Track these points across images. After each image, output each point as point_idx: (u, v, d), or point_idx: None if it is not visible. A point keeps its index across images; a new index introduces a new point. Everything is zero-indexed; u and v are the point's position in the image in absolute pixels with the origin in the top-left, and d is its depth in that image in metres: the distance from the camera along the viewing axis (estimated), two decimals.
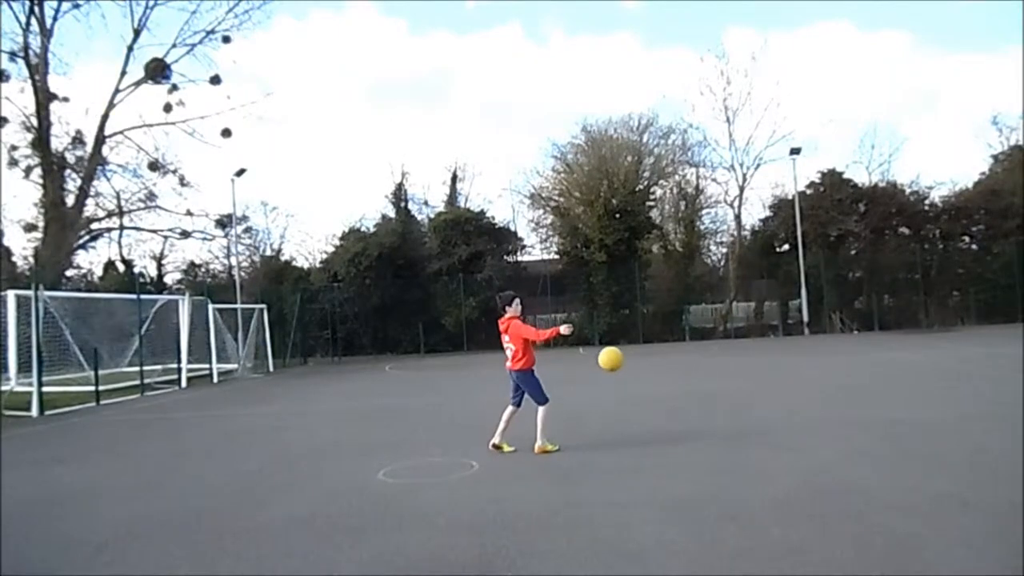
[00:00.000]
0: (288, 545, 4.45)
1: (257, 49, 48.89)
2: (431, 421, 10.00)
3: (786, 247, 29.55)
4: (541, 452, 6.68)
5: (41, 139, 28.86)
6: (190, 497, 6.01)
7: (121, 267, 35.32)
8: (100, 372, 15.11)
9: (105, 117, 30.15)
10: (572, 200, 29.96)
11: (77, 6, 29.66)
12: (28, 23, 28.48)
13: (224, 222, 33.51)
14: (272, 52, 54.98)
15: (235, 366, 21.31)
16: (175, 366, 18.28)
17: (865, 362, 15.54)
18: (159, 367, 18.44)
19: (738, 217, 31.62)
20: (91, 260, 35.59)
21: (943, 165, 68.24)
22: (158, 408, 13.69)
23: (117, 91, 30.36)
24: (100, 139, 30.24)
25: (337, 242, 31.60)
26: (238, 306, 23.77)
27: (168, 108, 31.39)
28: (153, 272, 36.05)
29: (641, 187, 29.33)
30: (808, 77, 52.69)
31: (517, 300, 7.11)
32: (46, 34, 29.01)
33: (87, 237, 32.53)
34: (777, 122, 36.33)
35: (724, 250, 33.61)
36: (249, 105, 32.84)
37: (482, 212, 30.70)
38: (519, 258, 31.78)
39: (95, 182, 31.08)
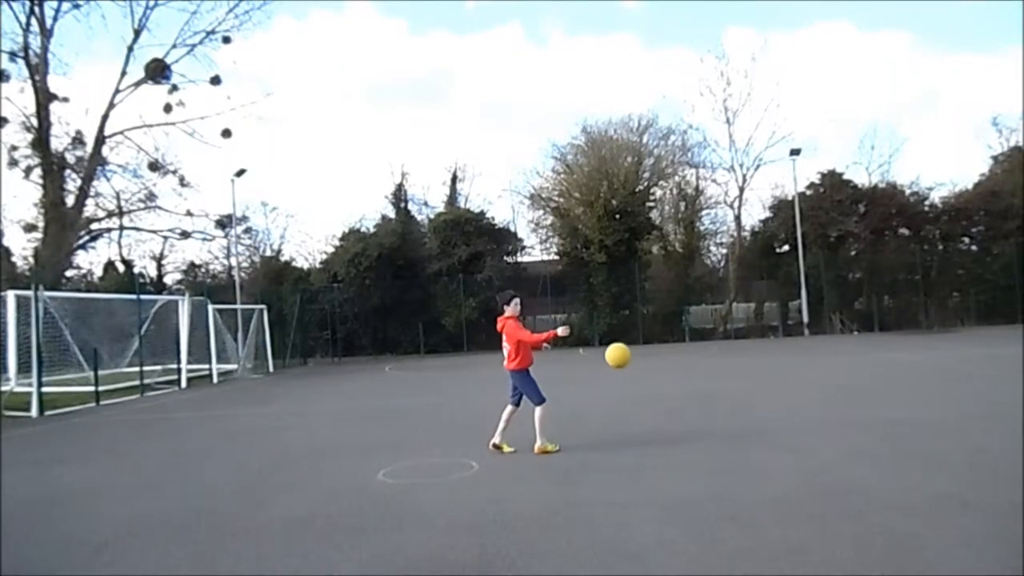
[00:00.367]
0: (288, 545, 4.45)
1: (257, 49, 49.00)
2: (431, 421, 10.00)
3: (786, 248, 29.57)
4: (541, 452, 6.67)
5: (41, 139, 28.86)
6: (190, 497, 6.00)
7: (121, 267, 35.34)
8: (100, 372, 15.11)
9: (105, 117, 30.17)
10: (572, 201, 29.99)
11: (77, 6, 29.70)
12: (28, 23, 28.51)
13: (224, 222, 33.53)
14: (272, 52, 55.10)
15: (235, 366, 21.31)
16: (175, 366, 18.28)
17: (865, 363, 15.54)
18: (159, 367, 18.44)
19: (738, 218, 31.70)
20: (91, 260, 35.69)
21: (943, 166, 68.35)
22: (158, 408, 13.69)
23: (117, 91, 30.39)
24: (100, 139, 30.24)
25: (337, 242, 31.63)
26: (238, 306, 23.77)
27: (168, 108, 31.41)
28: (153, 272, 36.09)
29: (641, 188, 29.36)
30: (808, 78, 52.78)
31: (516, 300, 7.07)
32: (46, 34, 29.04)
33: (87, 237, 32.54)
34: (777, 123, 36.56)
35: (724, 251, 33.66)
36: (249, 105, 32.98)
37: (482, 213, 30.74)
38: (519, 259, 31.82)
39: (95, 182, 31.11)
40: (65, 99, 30.14)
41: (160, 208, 32.99)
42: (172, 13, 49.06)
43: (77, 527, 5.19)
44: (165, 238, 34.74)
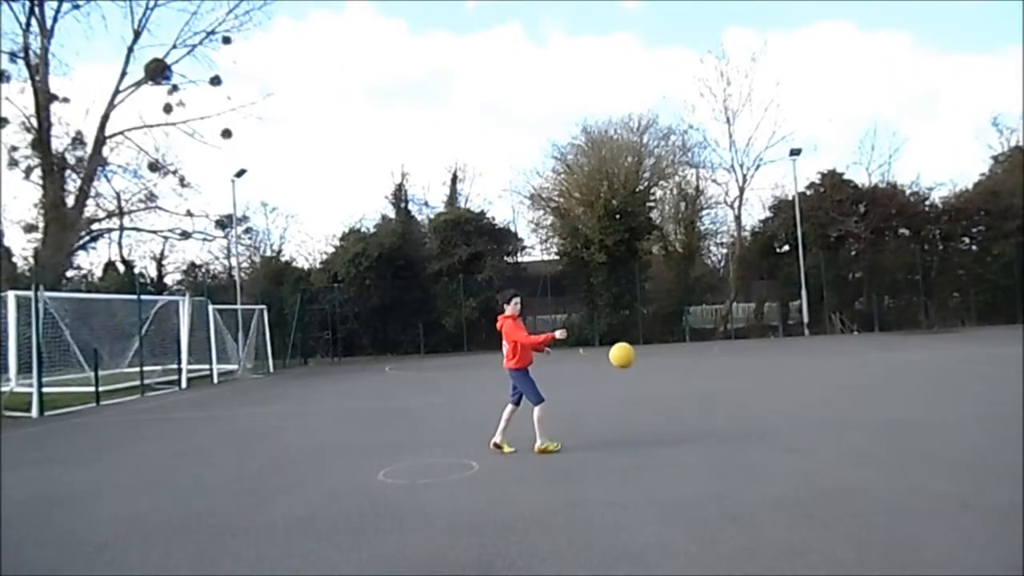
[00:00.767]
0: (288, 545, 4.45)
1: (257, 50, 49.00)
2: (431, 421, 10.00)
3: (786, 248, 29.59)
4: (541, 452, 6.67)
5: (41, 140, 28.89)
6: (190, 497, 6.00)
7: (121, 268, 35.34)
8: (100, 373, 15.12)
9: (105, 118, 30.20)
10: (572, 201, 30.01)
11: (77, 7, 29.75)
12: (28, 24, 28.56)
13: (224, 223, 33.54)
14: (272, 53, 55.11)
15: (235, 367, 21.32)
16: (175, 367, 18.29)
17: (865, 363, 15.54)
18: (159, 368, 18.45)
19: (738, 218, 31.72)
20: (91, 261, 35.72)
21: (943, 166, 68.39)
22: (158, 408, 13.70)
23: (117, 92, 30.42)
24: (100, 140, 30.27)
25: (337, 243, 31.65)
26: (238, 307, 23.78)
27: (168, 109, 31.43)
28: (153, 273, 36.10)
29: (641, 188, 29.39)
30: (808, 78, 52.82)
31: (516, 299, 7.03)
32: (46, 35, 29.07)
33: (87, 238, 32.55)
34: (777, 123, 36.55)
35: (724, 251, 33.70)
36: (249, 106, 32.91)
37: (482, 213, 30.77)
38: (519, 259, 31.83)
39: (95, 183, 31.14)
40: (65, 100, 30.19)
41: (160, 208, 33.04)
42: (172, 14, 49.07)
43: (78, 527, 5.19)
44: (165, 238, 34.79)
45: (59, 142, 29.90)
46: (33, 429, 11.51)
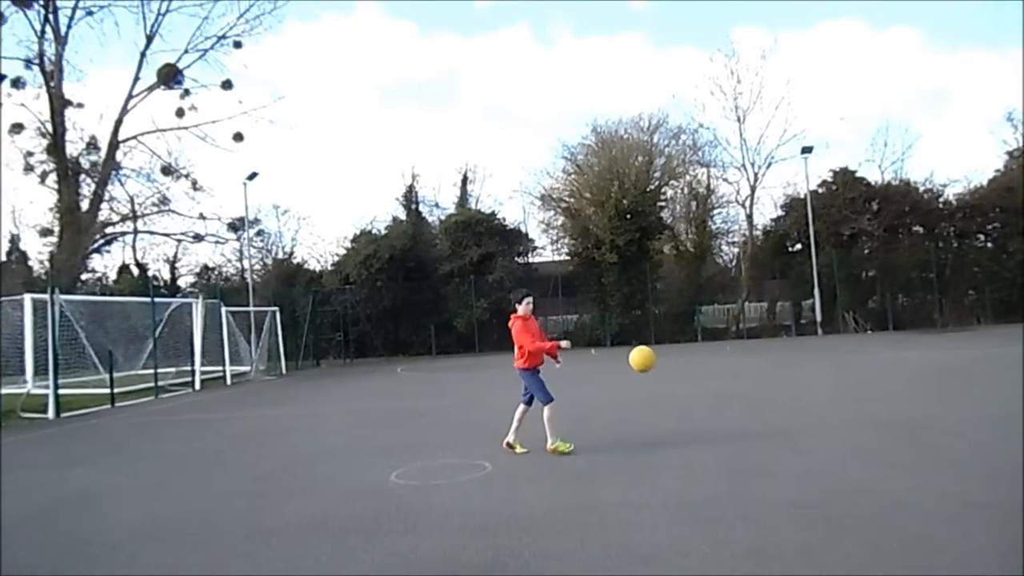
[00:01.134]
0: (301, 547, 4.47)
1: (268, 53, 49.26)
2: (443, 422, 10.02)
3: (798, 247, 29.40)
4: (553, 452, 6.66)
5: (56, 145, 29.21)
6: (203, 499, 6.05)
7: (135, 270, 35.62)
8: (115, 374, 15.25)
9: (119, 122, 30.49)
10: (583, 201, 29.98)
11: (91, 13, 30.03)
12: (43, 31, 28.86)
13: (236, 225, 33.76)
14: (282, 56, 55.35)
15: (248, 368, 21.45)
16: (189, 368, 18.42)
17: (879, 362, 15.43)
18: (173, 369, 18.59)
19: (750, 217, 31.54)
20: (106, 264, 35.94)
21: (957, 163, 67.63)
22: (172, 410, 13.80)
23: (130, 96, 30.71)
24: (114, 144, 30.55)
25: (348, 244, 31.76)
26: (251, 309, 23.91)
27: (180, 113, 31.69)
28: (167, 275, 36.34)
29: (652, 187, 29.31)
30: (819, 75, 52.43)
31: (528, 299, 6.99)
32: (60, 41, 29.38)
33: (101, 241, 32.87)
34: (788, 121, 36.06)
35: (736, 250, 33.51)
36: (260, 109, 33.14)
37: (493, 213, 30.77)
38: (530, 259, 31.81)
39: (109, 187, 31.43)
40: (79, 105, 30.49)
41: (173, 211, 33.31)
42: (184, 19, 49.64)
43: (92, 527, 5.23)
44: (178, 241, 35.04)
45: (73, 147, 30.26)
46: (50, 430, 11.62)
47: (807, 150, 27.76)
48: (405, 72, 63.70)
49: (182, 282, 36.39)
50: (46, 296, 14.29)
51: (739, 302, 30.58)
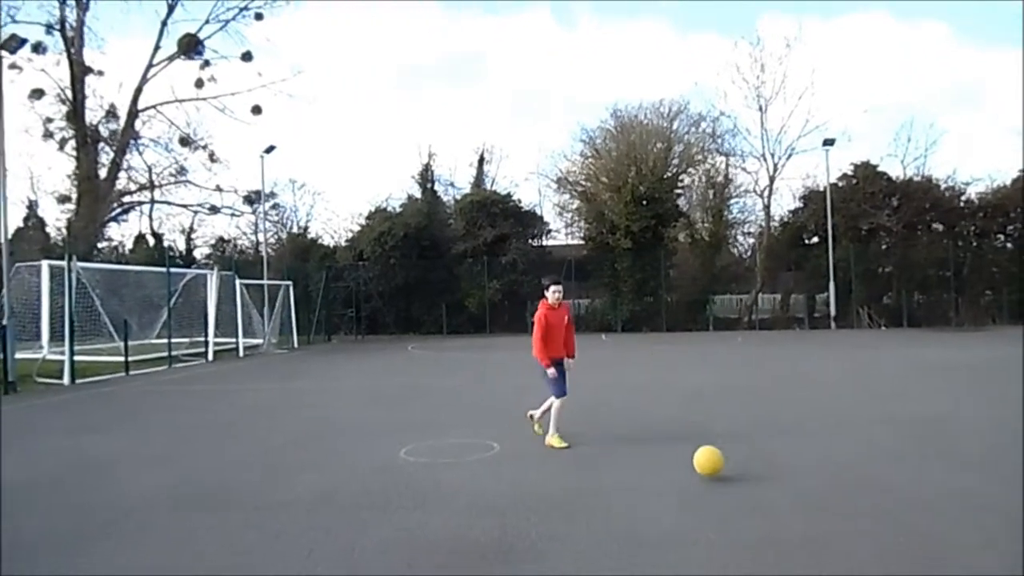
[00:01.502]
0: (311, 520, 4.51)
1: (289, 27, 49.04)
2: (453, 402, 10.06)
3: (815, 239, 29.12)
4: (548, 446, 6.47)
5: (76, 112, 29.31)
6: (215, 469, 6.12)
7: (151, 240, 35.88)
8: (129, 343, 15.40)
9: (138, 91, 30.53)
10: (599, 186, 29.78)
11: None
12: None
13: (252, 198, 33.86)
14: (303, 30, 55.11)
15: (261, 341, 21.60)
16: (202, 339, 18.57)
17: (894, 359, 15.31)
18: (187, 340, 18.75)
19: (767, 208, 31.21)
20: (122, 233, 36.19)
21: (981, 161, 66.63)
22: (185, 380, 13.94)
23: (150, 66, 30.70)
24: (133, 113, 30.63)
25: (363, 221, 31.78)
26: (265, 282, 24.03)
27: (200, 84, 31.66)
28: (182, 246, 36.56)
29: (669, 174, 29.07)
30: (843, 67, 51.59)
31: (550, 287, 6.63)
32: (82, 7, 29.38)
33: (119, 210, 33.07)
34: (811, 111, 35.42)
35: (752, 240, 33.21)
36: (280, 83, 32.97)
37: (508, 195, 30.62)
38: (544, 242, 31.71)
39: (127, 156, 31.54)
40: (100, 73, 30.53)
41: (190, 183, 33.41)
42: None
43: (105, 493, 5.31)
44: (195, 212, 35.20)
45: (93, 115, 30.33)
46: (65, 396, 11.78)
47: (829, 142, 27.39)
48: (425, 50, 63.37)
49: (197, 253, 36.63)
50: (63, 263, 14.41)
51: (753, 293, 30.39)
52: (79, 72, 29.15)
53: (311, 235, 35.74)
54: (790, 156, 30.82)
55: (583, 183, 31.20)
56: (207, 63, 31.70)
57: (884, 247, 28.13)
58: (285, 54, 61.00)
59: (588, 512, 4.57)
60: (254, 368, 16.75)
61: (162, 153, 32.61)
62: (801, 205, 29.92)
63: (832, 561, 3.62)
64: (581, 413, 7.40)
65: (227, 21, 31.29)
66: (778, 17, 60.41)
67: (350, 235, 32.77)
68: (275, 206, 36.55)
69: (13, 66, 27.42)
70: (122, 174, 31.71)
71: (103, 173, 30.70)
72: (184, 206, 34.57)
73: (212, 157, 32.85)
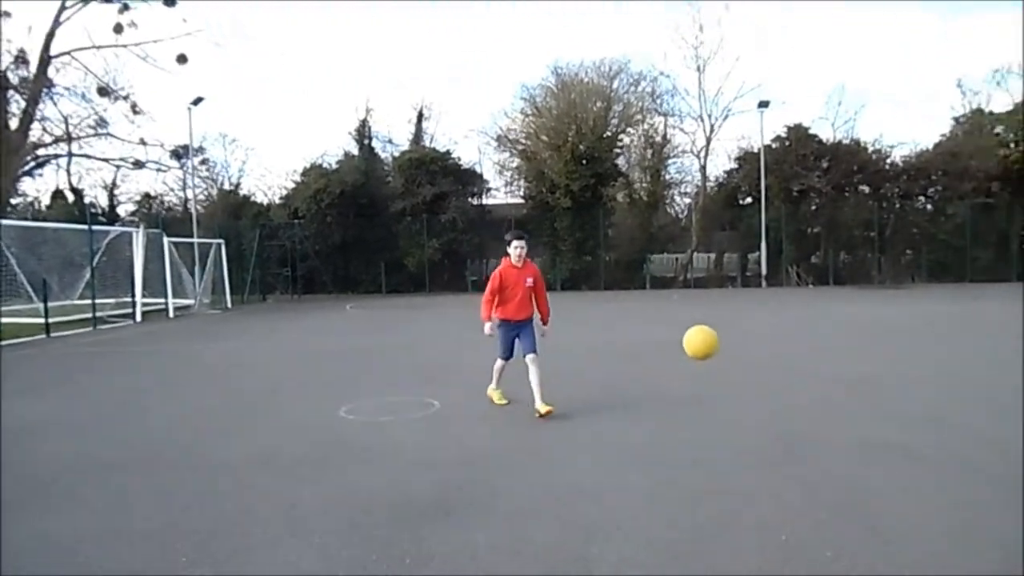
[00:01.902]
0: (249, 479, 4.43)
1: None
2: (392, 360, 9.98)
3: (749, 200, 29.83)
4: (489, 397, 6.58)
5: None
6: (145, 432, 5.92)
7: (70, 196, 34.03)
8: (50, 304, 14.67)
9: (50, 36, 28.45)
10: (539, 144, 29.65)
11: None
12: None
13: (180, 153, 32.36)
14: None
15: (192, 301, 20.92)
16: (129, 300, 17.85)
17: (821, 316, 15.93)
18: (112, 300, 18.00)
19: (703, 168, 31.70)
20: (38, 188, 34.31)
21: (907, 126, 69.01)
22: (112, 342, 13.41)
23: (63, 8, 28.63)
24: (45, 59, 28.60)
25: (298, 178, 30.87)
26: (195, 240, 23.19)
27: (119, 29, 29.75)
28: (104, 203, 34.86)
29: (609, 134, 29.14)
30: (780, 31, 52.34)
31: (515, 242, 6.14)
32: None
33: (33, 163, 31.12)
34: (746, 74, 36.15)
35: (688, 201, 33.83)
36: (206, 30, 31.36)
37: (448, 152, 30.18)
38: (484, 201, 31.53)
39: (41, 105, 29.54)
40: (7, 14, 28.32)
41: (111, 135, 31.55)
42: None
43: (29, 460, 5.08)
44: (117, 167, 33.35)
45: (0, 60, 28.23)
46: None
47: (764, 104, 27.91)
48: (363, 2, 61.11)
49: (121, 210, 35.04)
50: None
51: (688, 252, 31.05)
52: None
53: (243, 192, 34.58)
54: (726, 117, 31.31)
55: (523, 141, 30.99)
56: (126, 7, 29.68)
57: (813, 208, 29.05)
58: (213, 1, 57.85)
59: (527, 466, 4.63)
60: (185, 328, 16.23)
61: (79, 103, 30.62)
62: (736, 166, 30.54)
63: (767, 508, 3.76)
64: (520, 369, 7.44)
65: None
66: None
67: (284, 192, 31.86)
68: (204, 161, 35.12)
69: None
70: (36, 125, 29.67)
71: (14, 124, 28.76)
72: (105, 160, 32.68)
73: (135, 108, 31.05)
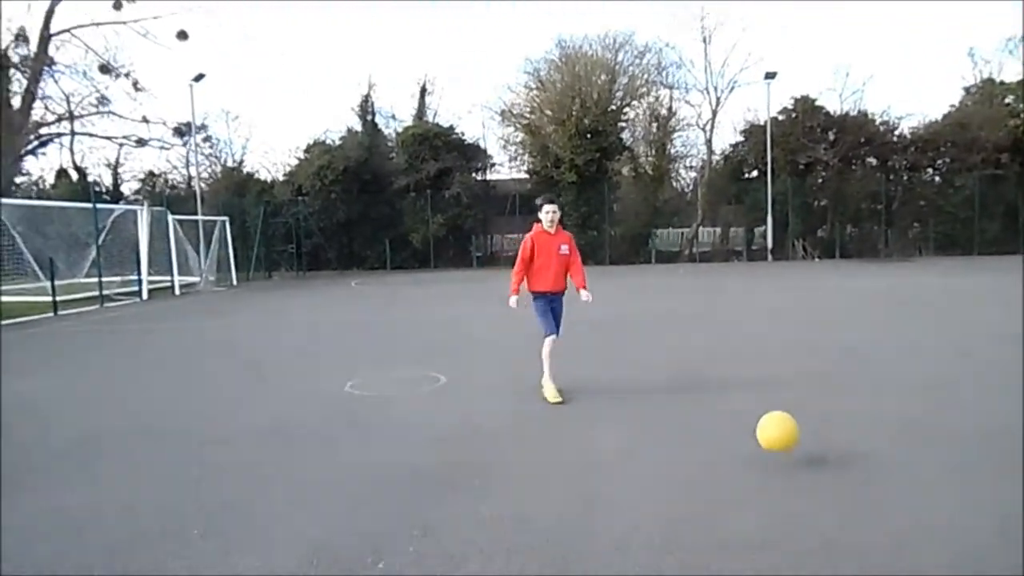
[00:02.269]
0: (257, 454, 4.47)
1: None
2: (397, 336, 10.02)
3: (755, 173, 29.57)
4: (543, 398, 5.58)
5: None
6: (155, 407, 5.97)
7: (74, 175, 34.01)
8: (57, 282, 14.72)
9: (50, 13, 28.28)
10: (544, 118, 29.42)
11: None
12: None
13: (183, 130, 32.23)
14: None
15: (197, 279, 20.98)
16: (135, 277, 17.90)
17: (829, 289, 15.88)
18: (118, 278, 18.05)
19: (709, 141, 31.41)
20: (42, 167, 34.29)
21: (917, 97, 68.13)
22: (119, 320, 13.48)
23: None
24: (45, 37, 28.44)
25: (301, 155, 30.73)
26: (199, 218, 23.19)
27: (118, 6, 29.52)
28: (108, 181, 34.80)
29: (614, 107, 28.87)
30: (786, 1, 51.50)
31: (546, 207, 5.84)
32: None
33: (36, 142, 31.08)
34: (753, 45, 35.58)
35: (694, 175, 33.56)
36: (206, 5, 31.06)
37: (451, 127, 29.97)
38: (488, 176, 31.35)
39: (42, 83, 29.44)
40: None
41: (113, 113, 31.47)
42: None
43: (38, 436, 5.14)
44: (120, 145, 33.37)
45: (1, 38, 28.07)
46: None
47: (770, 76, 27.53)
48: None
49: (125, 188, 34.99)
50: None
51: (694, 226, 30.89)
52: None
53: (247, 169, 34.45)
54: (732, 89, 30.99)
55: (527, 116, 30.73)
56: None
57: (820, 180, 28.78)
58: None
59: (534, 439, 4.65)
60: (191, 306, 16.29)
61: (80, 81, 30.63)
62: (742, 139, 30.23)
63: (769, 479, 3.78)
64: (529, 344, 7.44)
65: None
66: None
67: (288, 169, 31.71)
68: (207, 139, 34.96)
69: None
70: (38, 104, 29.65)
71: (16, 103, 28.66)
72: (108, 138, 32.70)
73: (136, 86, 30.93)
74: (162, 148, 33.37)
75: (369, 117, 31.65)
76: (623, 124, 29.71)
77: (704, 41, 30.54)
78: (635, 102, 30.26)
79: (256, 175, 33.43)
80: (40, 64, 28.59)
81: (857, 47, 41.08)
